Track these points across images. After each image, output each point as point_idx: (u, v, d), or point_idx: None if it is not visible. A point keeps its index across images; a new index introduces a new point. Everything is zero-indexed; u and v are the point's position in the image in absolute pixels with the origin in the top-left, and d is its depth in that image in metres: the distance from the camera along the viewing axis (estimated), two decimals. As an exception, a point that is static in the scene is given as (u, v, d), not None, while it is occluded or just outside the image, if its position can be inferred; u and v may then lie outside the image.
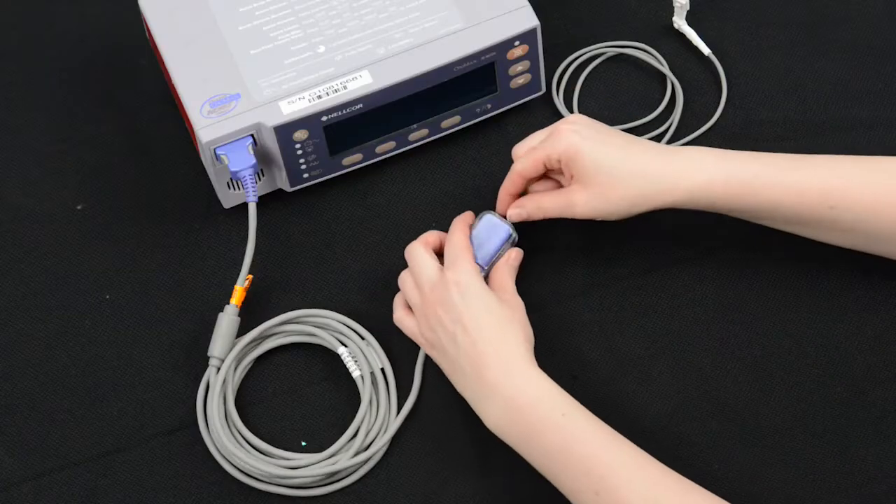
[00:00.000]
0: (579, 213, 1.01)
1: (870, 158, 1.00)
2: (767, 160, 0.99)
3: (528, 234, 1.09)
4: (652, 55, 1.19)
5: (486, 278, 1.03)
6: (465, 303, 0.97)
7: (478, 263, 1.02)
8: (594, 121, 1.03)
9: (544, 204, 1.03)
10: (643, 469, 0.90)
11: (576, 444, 0.91)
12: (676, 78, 1.18)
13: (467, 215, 1.06)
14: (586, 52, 1.20)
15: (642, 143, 1.02)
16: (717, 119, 1.16)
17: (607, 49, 1.20)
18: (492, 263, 1.04)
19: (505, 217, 1.05)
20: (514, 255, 1.04)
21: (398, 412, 1.03)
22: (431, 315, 0.99)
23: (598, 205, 1.00)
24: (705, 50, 1.19)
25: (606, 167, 0.99)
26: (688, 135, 1.15)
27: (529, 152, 1.03)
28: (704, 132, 1.15)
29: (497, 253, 1.04)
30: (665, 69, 1.18)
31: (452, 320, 0.97)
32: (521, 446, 0.94)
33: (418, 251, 1.02)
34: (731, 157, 0.99)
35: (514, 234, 1.05)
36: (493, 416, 0.95)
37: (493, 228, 1.05)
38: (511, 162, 1.05)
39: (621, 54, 1.20)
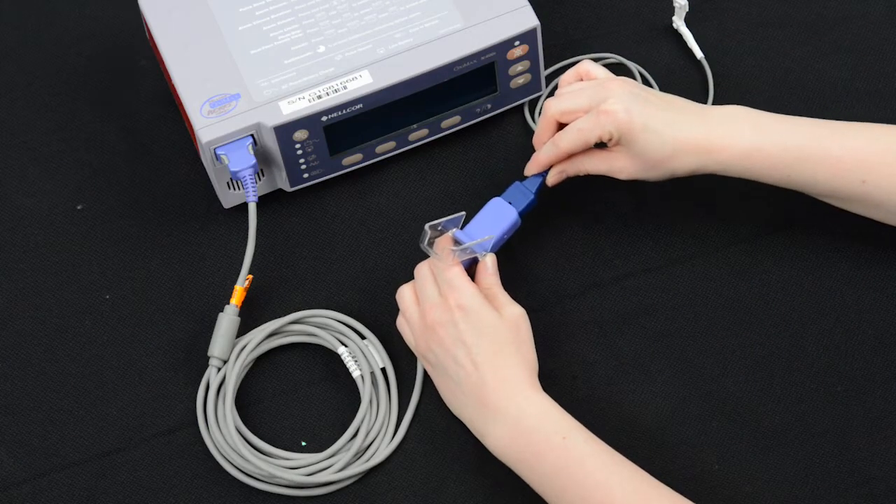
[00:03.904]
0: (622, 177, 1.04)
1: None
2: (806, 131, 1.00)
3: (527, 233, 1.09)
4: (625, 65, 1.18)
5: (476, 265, 1.01)
6: (467, 327, 0.96)
7: (483, 251, 1.01)
8: (637, 89, 1.02)
9: (586, 168, 1.05)
10: (641, 493, 0.90)
11: (575, 468, 0.91)
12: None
13: (446, 238, 1.01)
14: (568, 61, 1.19)
15: (685, 111, 1.02)
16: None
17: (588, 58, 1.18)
18: (497, 246, 1.03)
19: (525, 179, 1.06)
20: (491, 263, 1.01)
21: (398, 412, 1.03)
22: (431, 335, 0.98)
23: (641, 173, 1.02)
24: (698, 53, 1.18)
25: (656, 144, 1.00)
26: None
27: (578, 133, 1.02)
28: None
29: (503, 238, 1.03)
30: (650, 79, 1.17)
31: (454, 343, 0.97)
32: (522, 469, 0.94)
33: (426, 271, 1.01)
34: (769, 129, 1.00)
35: (520, 220, 1.05)
36: (495, 439, 0.95)
37: (500, 212, 1.04)
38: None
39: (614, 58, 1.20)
